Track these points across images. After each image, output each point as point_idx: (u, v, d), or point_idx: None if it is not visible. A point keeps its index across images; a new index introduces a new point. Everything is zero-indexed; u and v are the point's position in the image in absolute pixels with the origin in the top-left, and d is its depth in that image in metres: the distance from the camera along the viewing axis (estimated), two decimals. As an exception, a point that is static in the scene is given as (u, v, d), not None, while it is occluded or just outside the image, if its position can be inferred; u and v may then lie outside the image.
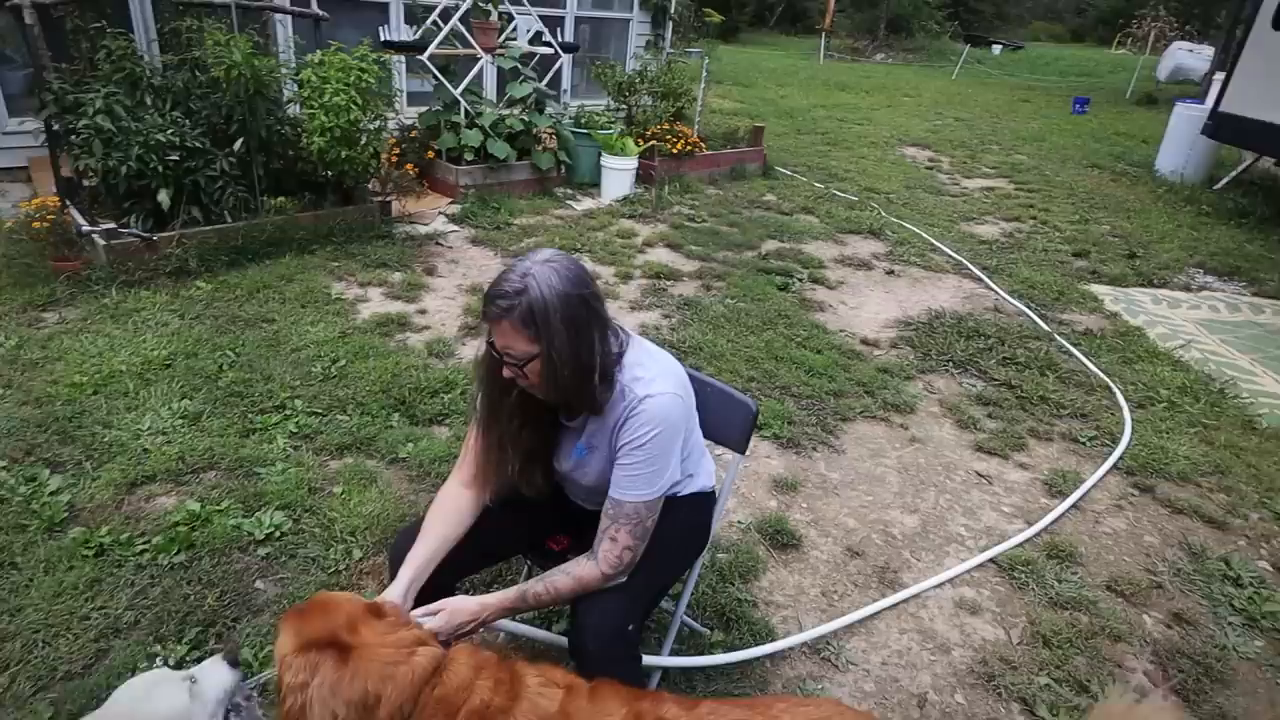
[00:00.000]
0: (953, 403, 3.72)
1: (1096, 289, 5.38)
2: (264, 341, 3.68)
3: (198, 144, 4.32)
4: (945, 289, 5.23)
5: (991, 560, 2.68)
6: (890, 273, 5.47)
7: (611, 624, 1.56)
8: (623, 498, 1.56)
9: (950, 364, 4.13)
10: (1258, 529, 2.98)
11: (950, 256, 5.82)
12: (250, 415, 3.11)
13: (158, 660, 1.99)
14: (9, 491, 2.53)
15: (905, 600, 2.48)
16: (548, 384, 1.49)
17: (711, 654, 2.16)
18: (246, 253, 4.54)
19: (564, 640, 1.64)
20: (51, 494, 2.54)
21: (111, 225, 4.15)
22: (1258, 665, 2.35)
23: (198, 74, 4.58)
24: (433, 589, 1.62)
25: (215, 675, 1.29)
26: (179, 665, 1.99)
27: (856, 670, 2.22)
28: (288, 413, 3.14)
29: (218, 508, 2.56)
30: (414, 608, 1.54)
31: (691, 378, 1.90)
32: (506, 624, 1.78)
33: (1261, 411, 3.83)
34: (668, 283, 4.91)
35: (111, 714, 1.21)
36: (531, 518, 1.83)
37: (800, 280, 5.12)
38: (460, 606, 1.53)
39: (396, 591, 1.56)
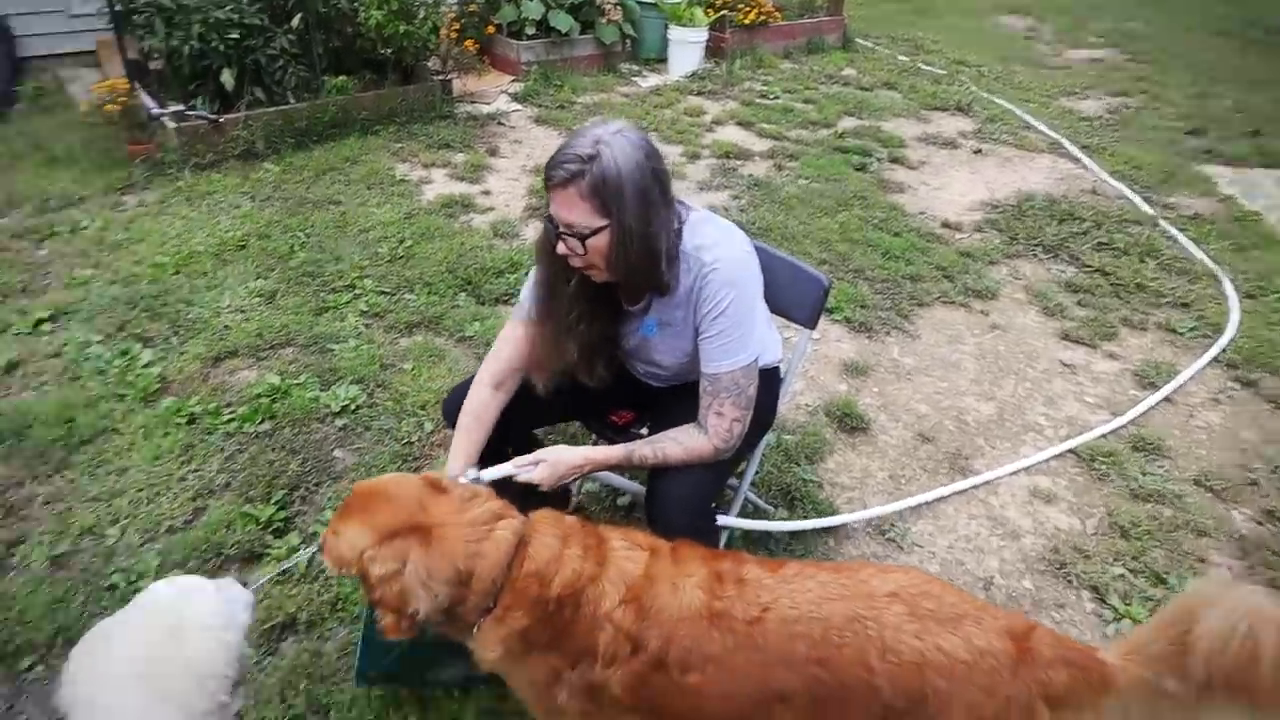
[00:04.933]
0: (1039, 289, 3.51)
1: (1211, 170, 4.90)
2: (332, 223, 3.70)
3: (256, 21, 4.23)
4: (1038, 170, 4.85)
5: (1071, 451, 2.57)
6: (978, 152, 5.09)
7: (698, 497, 1.55)
8: (717, 370, 1.51)
9: (1039, 249, 3.87)
10: (1372, 426, 2.77)
11: (1045, 135, 5.37)
12: (322, 294, 3.16)
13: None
14: (105, 364, 2.66)
15: (976, 486, 2.42)
16: (613, 262, 1.42)
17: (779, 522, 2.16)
18: (311, 134, 4.52)
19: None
20: (144, 366, 2.67)
21: (180, 107, 4.16)
22: (1357, 564, 2.23)
23: (253, -54, 4.43)
24: (498, 439, 1.64)
25: (236, 588, 1.26)
26: (268, 524, 2.11)
27: (921, 552, 2.20)
28: (358, 292, 3.19)
29: (296, 381, 2.64)
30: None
31: (759, 250, 1.81)
32: (601, 474, 1.79)
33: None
34: (738, 162, 4.69)
35: (153, 614, 1.16)
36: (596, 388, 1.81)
37: (879, 160, 4.82)
38: (561, 458, 1.51)
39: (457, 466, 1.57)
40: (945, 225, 4.09)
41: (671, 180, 1.47)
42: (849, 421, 2.66)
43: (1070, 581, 2.12)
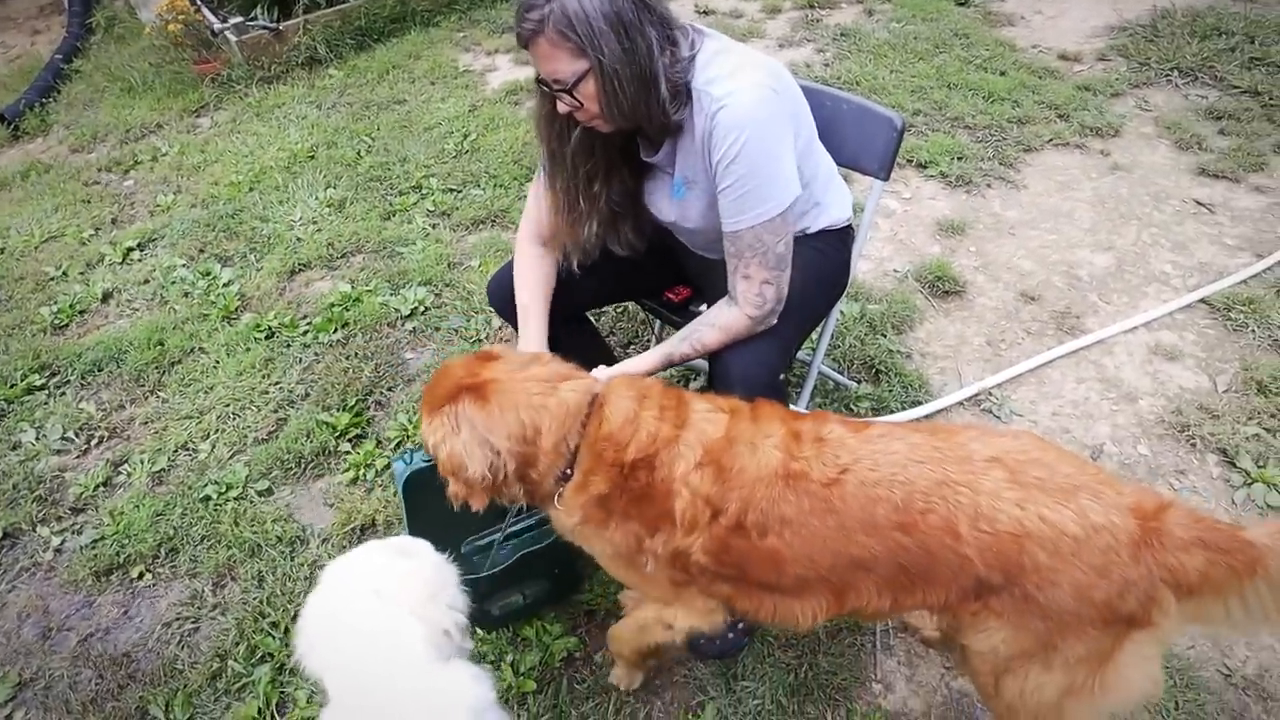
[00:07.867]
0: (1172, 120, 3.05)
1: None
2: (398, 124, 3.65)
3: (302, -85, 4.09)
4: (1178, -22, 4.14)
5: (1203, 301, 2.27)
6: (1103, -34, 4.39)
7: (760, 373, 1.43)
8: (737, 227, 1.34)
9: (1175, 73, 3.34)
10: None
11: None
12: (390, 198, 3.14)
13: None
14: (190, 286, 2.77)
15: (1087, 347, 2.19)
16: (608, 106, 1.26)
17: (857, 413, 2.04)
18: (372, 33, 4.43)
19: None
20: (225, 285, 2.75)
21: (239, 19, 4.14)
22: None
23: None
24: (562, 320, 1.58)
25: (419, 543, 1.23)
26: (344, 432, 2.16)
27: (1022, 421, 2.02)
28: (424, 192, 3.15)
29: (366, 288, 2.66)
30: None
31: (821, 94, 1.61)
32: None
33: None
34: (823, 12, 4.25)
35: (357, 577, 1.12)
36: (652, 262, 1.67)
37: (983, -10, 4.25)
38: (596, 379, 1.43)
39: (534, 342, 1.51)
40: (1062, 58, 3.59)
41: None
42: (942, 285, 2.44)
43: (1194, 445, 1.90)
